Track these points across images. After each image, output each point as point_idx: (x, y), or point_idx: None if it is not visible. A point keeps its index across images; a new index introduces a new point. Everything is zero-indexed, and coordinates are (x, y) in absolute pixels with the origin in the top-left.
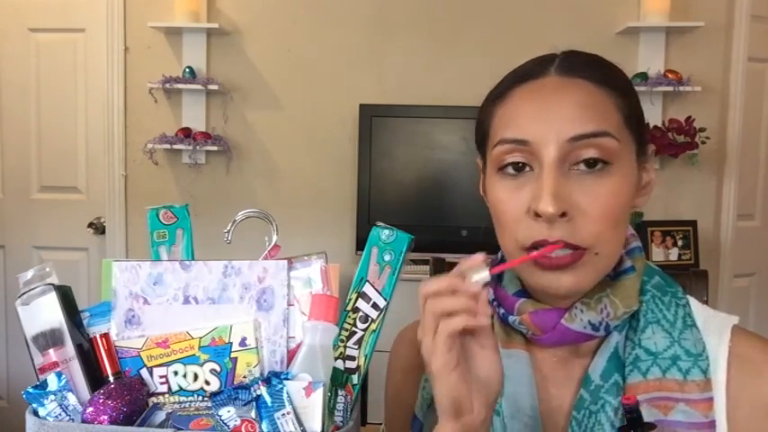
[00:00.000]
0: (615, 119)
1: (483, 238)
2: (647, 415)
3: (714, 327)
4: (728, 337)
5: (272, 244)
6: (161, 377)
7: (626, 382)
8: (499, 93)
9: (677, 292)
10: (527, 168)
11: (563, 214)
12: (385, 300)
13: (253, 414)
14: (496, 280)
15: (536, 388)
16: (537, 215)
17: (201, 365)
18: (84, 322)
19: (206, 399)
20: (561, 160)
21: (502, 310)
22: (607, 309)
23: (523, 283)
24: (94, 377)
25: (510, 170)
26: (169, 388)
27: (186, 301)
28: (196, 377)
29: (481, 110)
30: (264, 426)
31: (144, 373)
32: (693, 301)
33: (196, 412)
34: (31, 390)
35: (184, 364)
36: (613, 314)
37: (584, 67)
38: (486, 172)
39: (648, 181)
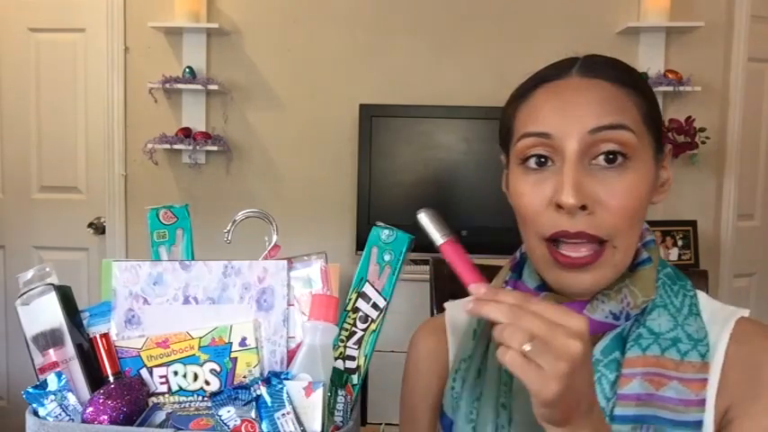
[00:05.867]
0: (634, 115)
1: (483, 239)
2: (640, 388)
3: (720, 317)
4: (732, 325)
5: (272, 244)
6: (161, 377)
7: (625, 356)
8: (522, 93)
9: (686, 285)
10: (549, 163)
11: (584, 207)
12: (385, 300)
13: (253, 414)
14: (516, 276)
15: None
16: (559, 207)
17: (201, 365)
18: (84, 322)
19: (206, 399)
20: (582, 153)
21: None
22: (627, 298)
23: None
24: (94, 377)
25: (532, 163)
26: (169, 388)
27: (186, 301)
28: (196, 377)
29: (504, 110)
30: (264, 426)
31: (144, 373)
32: (702, 295)
33: (196, 412)
34: (31, 390)
35: (184, 364)
36: (633, 303)
37: (603, 68)
38: (510, 167)
39: (666, 179)
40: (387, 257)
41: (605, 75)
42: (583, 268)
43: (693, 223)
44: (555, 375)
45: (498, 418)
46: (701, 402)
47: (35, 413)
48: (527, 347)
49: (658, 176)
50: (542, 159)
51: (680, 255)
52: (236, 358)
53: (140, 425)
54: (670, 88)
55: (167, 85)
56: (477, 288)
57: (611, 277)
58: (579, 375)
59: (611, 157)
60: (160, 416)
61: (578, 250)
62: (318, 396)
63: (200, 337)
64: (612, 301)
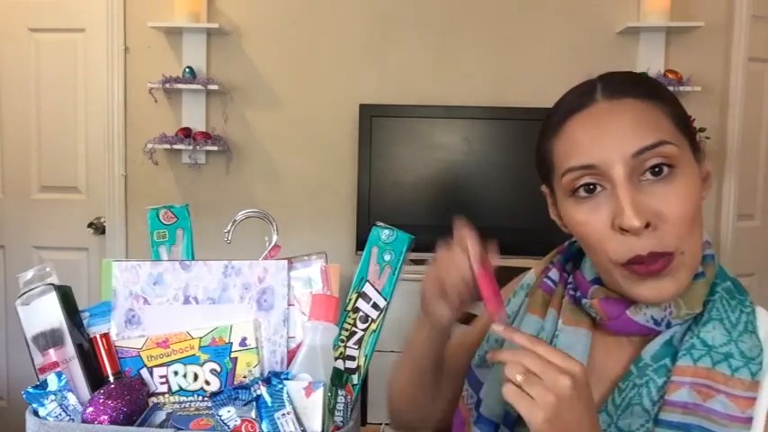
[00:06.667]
0: (668, 126)
1: (483, 239)
2: (688, 397)
3: None
4: None
5: (272, 244)
6: (161, 377)
7: (676, 364)
8: (553, 128)
9: (745, 300)
10: (598, 188)
11: (647, 225)
12: (385, 300)
13: (253, 414)
14: (562, 260)
15: (588, 360)
16: (623, 230)
17: (201, 365)
18: (84, 322)
19: (206, 399)
20: (630, 175)
21: (578, 293)
22: (671, 307)
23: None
24: (94, 377)
25: (582, 192)
26: (169, 388)
27: (186, 301)
28: (196, 377)
29: (539, 147)
30: (264, 426)
31: (144, 373)
32: (763, 313)
33: (196, 412)
34: (31, 390)
35: (184, 364)
36: (676, 313)
37: (627, 86)
38: (558, 199)
39: (708, 172)
40: (387, 257)
41: (631, 92)
42: (660, 275)
43: None
44: (542, 405)
45: None
46: (747, 420)
47: (35, 413)
48: (519, 378)
49: (701, 173)
50: (591, 187)
51: None
52: (236, 358)
53: (140, 425)
54: (670, 88)
55: (167, 85)
56: (496, 326)
57: (689, 280)
58: (568, 410)
59: (656, 170)
60: (160, 416)
61: (652, 263)
62: (318, 396)
63: (201, 337)
64: (656, 308)
